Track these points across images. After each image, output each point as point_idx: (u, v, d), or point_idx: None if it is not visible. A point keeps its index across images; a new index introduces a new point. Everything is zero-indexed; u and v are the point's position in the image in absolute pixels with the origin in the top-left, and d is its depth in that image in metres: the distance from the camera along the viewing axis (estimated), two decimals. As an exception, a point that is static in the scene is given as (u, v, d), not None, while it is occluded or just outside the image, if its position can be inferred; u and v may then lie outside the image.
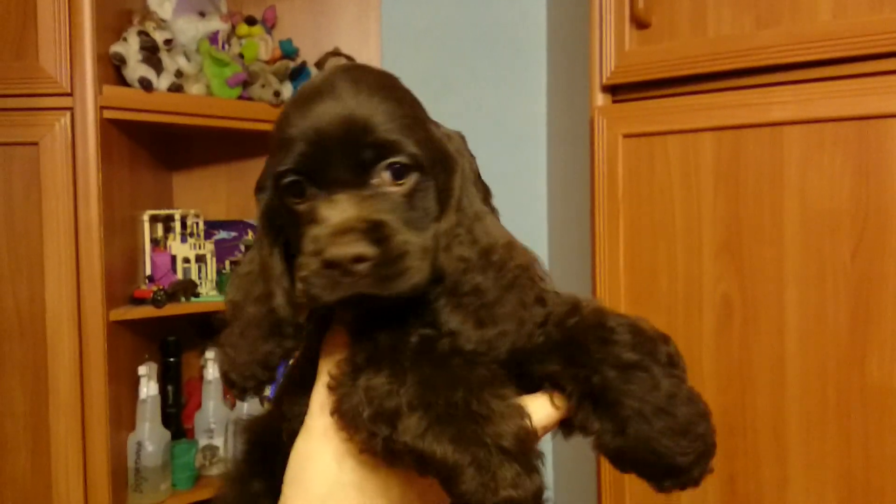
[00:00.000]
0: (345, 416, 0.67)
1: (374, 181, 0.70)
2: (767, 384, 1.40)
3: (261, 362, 0.76)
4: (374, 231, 0.66)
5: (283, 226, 0.75)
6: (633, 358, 0.71)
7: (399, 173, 0.70)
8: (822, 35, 1.31)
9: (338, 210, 0.68)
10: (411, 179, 0.71)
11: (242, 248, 2.20)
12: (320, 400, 0.72)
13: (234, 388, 0.78)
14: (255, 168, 2.38)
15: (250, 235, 2.23)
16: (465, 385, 0.64)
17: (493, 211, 0.81)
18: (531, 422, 0.65)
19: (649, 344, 0.73)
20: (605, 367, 0.70)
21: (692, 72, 1.47)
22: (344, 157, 0.69)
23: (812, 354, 1.35)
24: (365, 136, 0.69)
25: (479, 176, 0.81)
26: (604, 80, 1.60)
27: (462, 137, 0.82)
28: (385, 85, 0.74)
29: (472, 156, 0.81)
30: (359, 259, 0.65)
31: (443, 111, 2.59)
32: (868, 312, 1.30)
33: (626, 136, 1.56)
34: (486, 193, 0.81)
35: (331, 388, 0.70)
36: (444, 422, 0.62)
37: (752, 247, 1.40)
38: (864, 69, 1.29)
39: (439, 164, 0.75)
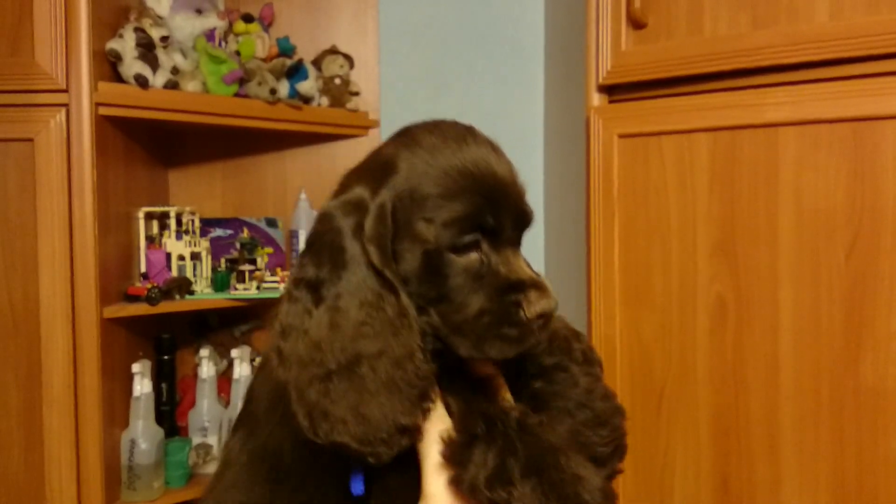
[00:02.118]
0: (461, 484, 0.69)
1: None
2: (761, 384, 1.39)
3: (404, 429, 0.70)
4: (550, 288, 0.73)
5: (415, 274, 0.72)
6: (552, 361, 0.78)
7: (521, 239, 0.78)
8: (817, 36, 1.31)
9: (521, 267, 0.74)
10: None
11: (238, 245, 2.19)
12: (435, 462, 0.71)
13: (365, 455, 0.69)
14: (251, 166, 2.39)
15: (245, 233, 2.23)
16: (558, 451, 0.69)
17: None
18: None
19: (564, 344, 0.80)
20: (532, 375, 0.78)
21: (688, 72, 1.47)
22: (516, 216, 0.75)
23: (806, 355, 1.35)
24: (525, 200, 0.77)
25: None
26: (600, 80, 1.60)
27: None
28: None
29: None
30: (553, 312, 0.73)
31: (440, 110, 2.59)
32: (862, 313, 1.30)
33: (622, 136, 1.56)
34: None
35: (446, 457, 0.70)
36: (554, 486, 0.67)
37: (747, 247, 1.40)
38: (860, 70, 1.29)
39: None
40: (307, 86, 2.17)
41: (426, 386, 0.71)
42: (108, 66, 1.90)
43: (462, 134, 0.75)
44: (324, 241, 0.73)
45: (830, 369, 1.33)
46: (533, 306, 0.71)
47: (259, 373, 0.86)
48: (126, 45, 1.88)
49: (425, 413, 0.71)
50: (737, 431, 1.43)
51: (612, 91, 1.62)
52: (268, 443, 0.80)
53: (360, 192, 0.74)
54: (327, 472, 0.76)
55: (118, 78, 1.90)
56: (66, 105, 1.77)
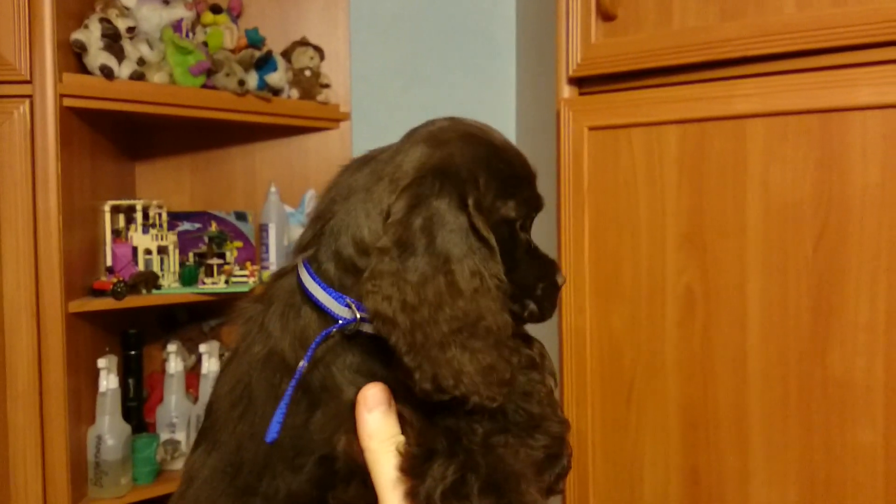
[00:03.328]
0: (417, 497, 0.69)
1: None
2: (729, 376, 1.40)
3: (508, 382, 0.74)
4: None
5: (498, 244, 0.79)
6: None
7: None
8: (785, 28, 1.32)
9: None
10: None
11: (206, 239, 2.17)
12: (391, 477, 0.71)
13: (492, 402, 0.72)
14: (219, 158, 2.36)
15: (214, 227, 2.20)
16: (520, 477, 0.71)
17: None
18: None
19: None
20: None
21: (657, 64, 1.47)
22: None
23: (774, 346, 1.35)
24: None
25: None
26: (570, 73, 1.60)
27: None
28: None
29: None
30: None
31: (411, 103, 2.60)
32: (830, 305, 1.30)
33: (592, 128, 1.56)
34: None
35: (403, 470, 0.70)
36: None
37: (715, 239, 1.41)
38: (828, 62, 1.30)
39: None
40: (276, 77, 2.15)
41: (514, 345, 0.78)
42: (73, 57, 1.87)
43: (490, 126, 0.86)
44: (426, 212, 0.74)
45: (798, 361, 1.33)
46: (561, 278, 0.85)
47: (219, 378, 0.83)
48: (91, 35, 1.86)
49: (515, 367, 0.76)
50: (705, 423, 1.43)
51: (583, 83, 1.61)
52: (231, 451, 0.78)
53: (440, 161, 0.77)
54: (295, 471, 0.74)
55: (83, 69, 1.88)
56: (29, 96, 1.74)
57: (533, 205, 0.84)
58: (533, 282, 0.83)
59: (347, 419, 0.73)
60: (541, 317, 0.84)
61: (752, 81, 1.36)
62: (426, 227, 0.73)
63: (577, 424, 1.58)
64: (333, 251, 0.77)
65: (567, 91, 1.61)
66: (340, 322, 0.74)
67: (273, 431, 0.71)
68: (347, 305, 0.74)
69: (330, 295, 0.75)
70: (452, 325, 0.72)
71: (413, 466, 0.69)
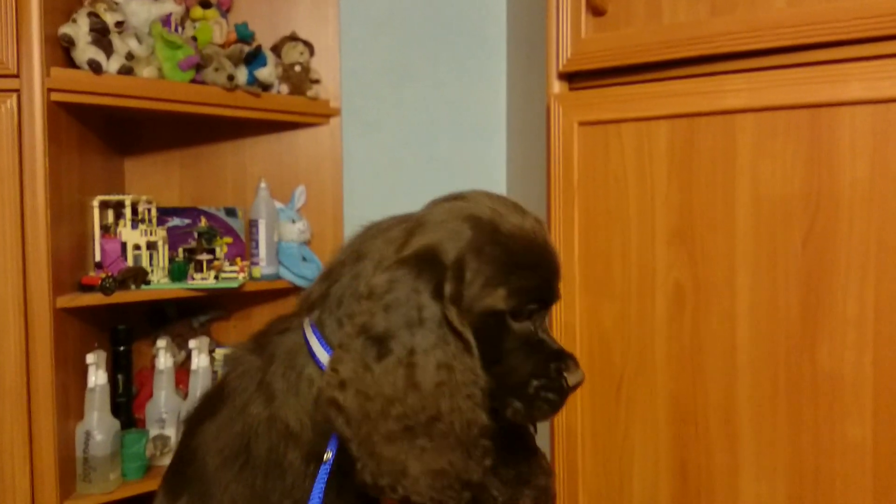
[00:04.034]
0: None
1: None
2: (719, 371, 1.40)
3: (470, 484, 0.72)
4: None
5: (477, 336, 0.75)
6: None
7: None
8: (775, 23, 1.32)
9: (553, 336, 0.81)
10: None
11: (196, 234, 2.16)
12: None
13: (447, 499, 0.71)
14: (209, 154, 2.35)
15: (204, 223, 2.19)
16: None
17: None
18: None
19: None
20: None
21: (647, 59, 1.47)
22: (557, 290, 0.81)
23: (763, 341, 1.36)
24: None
25: None
26: (560, 68, 1.60)
27: None
28: None
29: None
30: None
31: (402, 99, 2.59)
32: (819, 299, 1.30)
33: (582, 123, 1.56)
34: None
35: None
36: None
37: (705, 234, 1.41)
38: (817, 57, 1.30)
39: None
40: (266, 73, 2.14)
41: (489, 445, 0.73)
42: (61, 52, 1.85)
43: (515, 204, 0.82)
44: (399, 297, 0.72)
45: (787, 355, 1.34)
46: (573, 376, 0.77)
47: (194, 427, 0.81)
48: (79, 29, 1.84)
49: (487, 469, 0.73)
50: (695, 418, 1.43)
51: (573, 79, 1.61)
52: None
53: (428, 246, 0.75)
54: None
55: (71, 63, 1.86)
56: (17, 91, 1.73)
57: (533, 295, 0.77)
58: (524, 378, 0.77)
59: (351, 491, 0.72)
60: (529, 417, 0.78)
61: (742, 76, 1.36)
62: (395, 315, 0.71)
63: (566, 420, 1.58)
64: (337, 317, 0.76)
65: (557, 86, 1.61)
66: None
67: None
68: None
69: None
70: (403, 421, 0.69)
71: None
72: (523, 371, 0.77)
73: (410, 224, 0.78)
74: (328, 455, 0.71)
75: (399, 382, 0.70)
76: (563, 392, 0.77)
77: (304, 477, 0.72)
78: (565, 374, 0.77)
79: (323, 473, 0.71)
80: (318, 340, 0.74)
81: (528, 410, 0.77)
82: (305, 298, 0.80)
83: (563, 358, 0.78)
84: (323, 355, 0.73)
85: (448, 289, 0.72)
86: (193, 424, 0.80)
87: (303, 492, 0.71)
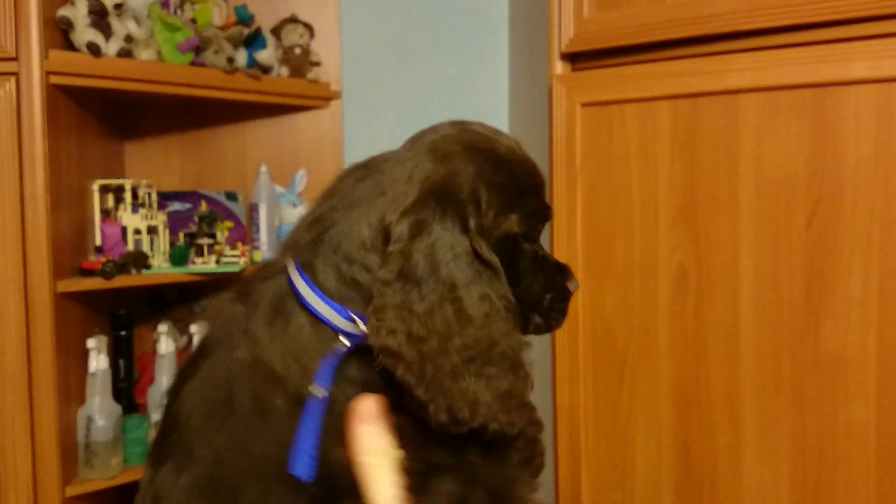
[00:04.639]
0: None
1: None
2: (722, 353, 1.39)
3: (526, 404, 0.76)
4: None
5: (502, 258, 0.78)
6: None
7: None
8: (779, 2, 1.30)
9: (550, 256, 0.85)
10: None
11: (196, 219, 2.15)
12: (390, 494, 0.68)
13: (513, 428, 0.72)
14: (209, 138, 2.34)
15: (204, 207, 2.18)
16: (516, 482, 0.76)
17: None
18: None
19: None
20: None
21: (649, 39, 1.45)
22: (552, 214, 0.85)
23: (767, 323, 1.35)
24: None
25: None
26: (562, 48, 1.59)
27: None
28: None
29: None
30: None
31: (404, 81, 2.58)
32: (823, 281, 1.29)
33: (585, 104, 1.55)
34: None
35: (406, 488, 0.69)
36: None
37: (708, 215, 1.40)
38: (822, 36, 1.28)
39: None
40: (266, 55, 2.13)
41: (527, 362, 0.77)
42: (60, 34, 1.84)
43: (493, 128, 0.83)
44: (429, 238, 0.72)
45: (791, 337, 1.33)
46: (572, 284, 0.84)
47: (178, 390, 0.77)
48: (78, 12, 1.83)
49: (532, 387, 0.76)
50: (698, 400, 1.43)
51: (576, 59, 1.60)
52: (209, 466, 0.72)
53: (441, 183, 0.75)
54: (293, 488, 0.70)
55: (70, 46, 1.85)
56: (15, 74, 1.72)
57: (539, 216, 0.81)
58: (540, 294, 0.83)
59: (343, 432, 0.69)
60: (547, 328, 0.84)
61: (746, 56, 1.34)
62: (429, 255, 0.72)
63: (569, 403, 1.58)
64: (333, 263, 0.74)
65: (559, 67, 1.60)
66: (351, 342, 0.72)
67: (302, 465, 0.68)
68: (351, 319, 0.72)
69: (330, 306, 0.72)
70: (464, 354, 0.70)
71: (415, 483, 0.69)
72: (538, 287, 0.82)
73: (409, 165, 0.77)
74: (323, 392, 0.70)
75: (450, 318, 0.71)
76: (568, 300, 0.84)
77: (291, 419, 0.70)
78: (567, 284, 0.83)
79: (316, 409, 0.69)
80: (308, 284, 0.73)
81: (547, 321, 0.83)
82: (293, 245, 0.78)
83: (563, 270, 0.84)
84: (312, 298, 0.72)
85: (472, 222, 0.74)
86: (176, 389, 0.77)
87: (289, 434, 0.69)
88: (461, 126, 0.81)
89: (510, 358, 0.73)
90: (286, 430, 0.69)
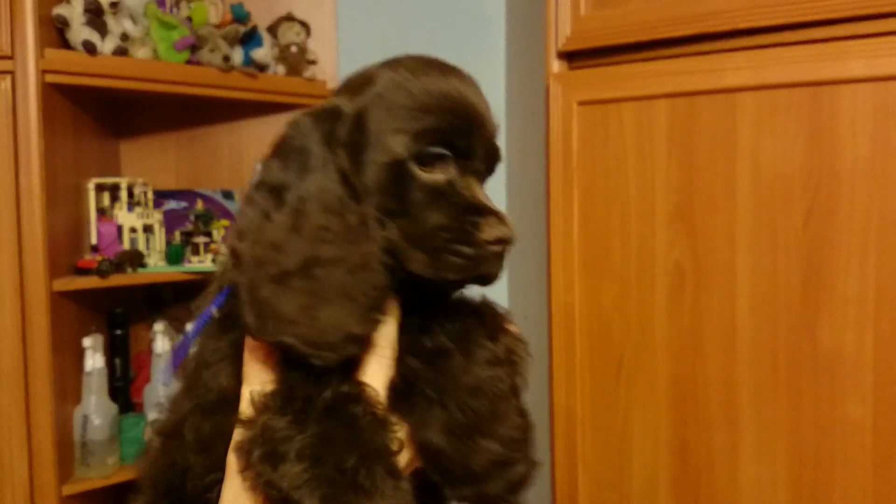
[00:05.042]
0: (240, 450, 0.65)
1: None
2: (719, 351, 1.40)
3: (354, 338, 0.67)
4: None
5: (379, 185, 0.70)
6: (450, 345, 0.71)
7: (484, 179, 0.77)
8: (776, 0, 1.30)
9: (483, 196, 0.73)
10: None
11: (193, 217, 2.15)
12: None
13: (311, 358, 0.65)
14: (205, 136, 2.34)
15: (200, 205, 2.18)
16: (362, 452, 0.63)
17: None
18: None
19: (486, 332, 0.73)
20: (411, 356, 0.71)
21: (646, 37, 1.45)
22: (487, 150, 0.74)
23: (763, 321, 1.35)
24: (496, 138, 0.76)
25: None
26: (559, 47, 1.59)
27: None
28: None
29: None
30: (510, 242, 0.71)
31: (397, 79, 2.51)
32: (820, 279, 1.30)
33: (581, 103, 1.55)
34: None
35: (241, 421, 0.67)
36: (323, 481, 0.61)
37: (705, 214, 1.40)
38: (819, 34, 1.29)
39: None
40: (262, 53, 2.13)
41: (380, 297, 0.68)
42: (55, 33, 1.84)
43: (448, 66, 0.75)
44: (292, 145, 0.71)
45: (788, 335, 1.33)
46: (491, 229, 0.70)
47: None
48: (73, 10, 1.83)
49: (375, 324, 0.68)
50: (695, 398, 1.43)
51: (573, 58, 1.60)
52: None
53: (336, 101, 0.73)
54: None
55: (65, 44, 1.85)
56: (11, 72, 1.71)
57: (437, 137, 0.71)
58: (430, 230, 0.70)
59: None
60: (435, 269, 0.70)
61: (743, 54, 1.34)
62: (289, 163, 0.70)
63: (566, 401, 1.58)
64: None
65: (556, 66, 1.60)
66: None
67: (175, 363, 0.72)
68: None
69: None
70: (281, 265, 0.67)
71: (249, 417, 0.66)
72: (430, 222, 0.70)
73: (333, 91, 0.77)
74: (213, 310, 0.72)
75: (284, 227, 0.68)
76: (478, 245, 0.69)
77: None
78: (482, 228, 0.70)
79: (201, 322, 0.72)
80: None
81: (434, 262, 0.69)
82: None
83: (482, 212, 0.71)
84: None
85: (341, 134, 0.70)
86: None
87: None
88: (404, 58, 0.76)
89: (338, 281, 0.67)
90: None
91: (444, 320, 0.73)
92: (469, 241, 0.69)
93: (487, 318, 0.75)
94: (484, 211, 0.71)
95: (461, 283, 0.73)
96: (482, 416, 0.68)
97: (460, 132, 0.71)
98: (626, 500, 1.52)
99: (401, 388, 0.70)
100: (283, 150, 0.71)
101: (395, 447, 0.65)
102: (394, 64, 0.74)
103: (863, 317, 1.27)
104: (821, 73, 1.27)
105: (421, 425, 0.69)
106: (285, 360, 0.68)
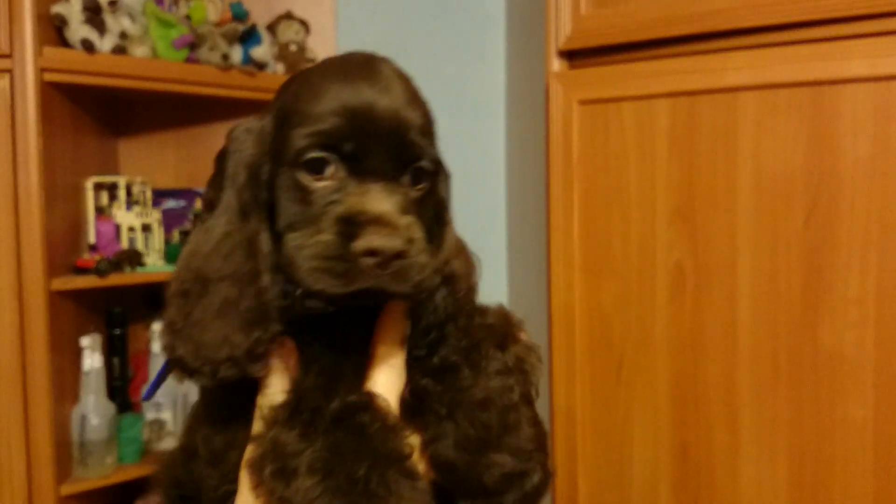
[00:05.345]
0: (252, 466, 0.65)
1: (403, 179, 0.69)
2: (719, 351, 1.39)
3: (247, 350, 0.66)
4: (407, 230, 0.65)
5: (279, 199, 0.69)
6: (456, 358, 0.70)
7: (419, 178, 0.70)
8: (777, -1, 1.30)
9: (376, 199, 0.66)
10: (426, 186, 0.71)
11: (191, 216, 2.15)
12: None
13: (198, 374, 0.66)
14: (204, 135, 2.33)
15: (199, 204, 2.18)
16: (372, 459, 0.62)
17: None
18: None
19: (494, 341, 0.72)
20: (420, 373, 0.71)
21: (647, 36, 1.45)
22: (386, 148, 0.67)
23: (764, 321, 1.35)
24: (408, 134, 0.68)
25: None
26: (559, 46, 1.58)
27: None
28: (415, 86, 0.74)
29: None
30: (399, 255, 0.64)
31: (397, 77, 2.51)
32: (820, 278, 1.29)
33: (582, 102, 1.54)
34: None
35: (253, 437, 0.67)
36: (337, 493, 0.61)
37: (706, 213, 1.39)
38: (820, 34, 1.28)
39: (440, 173, 0.76)
40: (261, 52, 2.12)
41: (263, 311, 0.67)
42: (54, 31, 1.83)
43: (362, 66, 0.70)
44: (217, 163, 0.72)
45: (788, 335, 1.33)
46: (364, 240, 0.63)
47: None
48: (72, 8, 1.82)
49: (258, 341, 0.66)
50: (695, 398, 1.42)
51: (573, 57, 1.60)
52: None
53: (261, 115, 0.73)
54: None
55: (64, 43, 1.84)
56: (9, 71, 1.71)
57: (318, 141, 0.66)
58: (310, 243, 0.66)
59: None
60: (306, 283, 0.65)
61: (744, 53, 1.34)
62: (212, 181, 0.73)
63: (566, 401, 1.58)
64: None
65: (556, 64, 1.59)
66: None
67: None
68: None
69: None
70: (182, 284, 0.68)
71: (259, 432, 0.67)
72: (308, 233, 0.66)
73: None
74: None
75: (192, 245, 0.70)
76: (349, 258, 0.63)
77: None
78: (360, 237, 0.63)
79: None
80: None
81: (311, 277, 0.64)
82: None
83: (360, 221, 0.64)
84: None
85: (245, 149, 0.71)
86: None
87: None
88: (333, 60, 0.73)
89: (220, 298, 0.67)
90: None
91: (451, 332, 0.72)
92: (340, 254, 0.64)
93: (497, 328, 0.73)
94: (362, 219, 0.64)
95: (364, 300, 0.66)
96: (492, 429, 0.67)
97: (347, 135, 0.66)
98: (627, 500, 1.52)
99: (411, 404, 0.69)
100: (215, 168, 0.73)
101: (407, 451, 0.65)
102: (312, 67, 0.73)
103: (863, 317, 1.26)
104: (822, 73, 1.27)
105: (433, 440, 0.68)
106: (302, 369, 0.69)
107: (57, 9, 1.80)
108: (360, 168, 0.67)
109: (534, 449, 0.69)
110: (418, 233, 0.67)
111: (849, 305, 1.27)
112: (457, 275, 0.74)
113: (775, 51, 1.31)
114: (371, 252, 0.63)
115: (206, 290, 0.67)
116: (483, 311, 0.75)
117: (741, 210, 1.36)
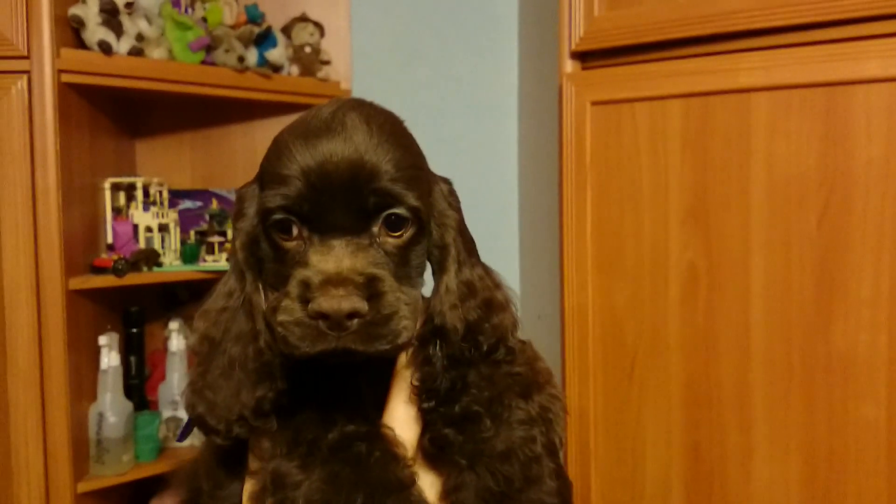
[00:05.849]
0: (253, 500, 0.68)
1: (374, 229, 0.68)
2: (732, 352, 1.39)
3: (253, 408, 0.68)
4: (369, 286, 0.65)
5: (264, 259, 0.71)
6: (477, 408, 0.70)
7: (397, 225, 0.69)
8: (790, 0, 1.30)
9: (333, 258, 0.66)
10: (408, 232, 0.70)
11: (207, 217, 2.16)
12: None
13: (215, 433, 0.70)
14: (220, 136, 2.35)
15: (215, 205, 2.19)
16: (370, 489, 0.64)
17: (479, 262, 0.78)
18: None
19: (517, 390, 0.72)
20: (442, 422, 0.70)
21: (660, 37, 1.45)
22: (346, 202, 0.67)
23: (777, 322, 1.35)
24: (370, 183, 0.67)
25: (464, 226, 0.77)
26: (573, 47, 1.59)
27: (450, 185, 0.78)
28: (394, 130, 0.72)
29: (458, 205, 0.78)
30: (352, 315, 0.63)
31: (413, 79, 2.57)
32: (833, 280, 1.29)
33: (595, 103, 1.55)
34: (472, 244, 0.78)
35: (250, 471, 0.70)
36: None
37: (719, 214, 1.40)
38: (833, 35, 1.28)
39: (435, 217, 0.74)
40: (276, 54, 2.13)
41: (265, 369, 0.69)
42: (71, 33, 1.85)
43: (327, 116, 0.70)
44: (232, 223, 0.76)
45: (801, 336, 1.33)
46: (313, 304, 0.63)
47: None
48: (89, 10, 1.84)
49: (263, 399, 0.69)
50: (708, 398, 1.42)
51: (586, 58, 1.60)
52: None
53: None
54: None
55: (81, 44, 1.86)
56: (27, 72, 1.73)
57: (282, 204, 0.67)
58: (274, 304, 0.67)
59: None
60: (285, 348, 0.65)
61: (757, 54, 1.34)
62: (232, 240, 0.77)
63: (579, 401, 1.58)
64: None
65: (569, 65, 1.60)
66: None
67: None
68: None
69: None
70: (199, 343, 0.72)
71: (257, 467, 0.70)
72: (277, 296, 0.67)
73: None
74: None
75: (203, 310, 0.74)
76: (305, 324, 0.63)
77: None
78: (313, 300, 0.63)
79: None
80: None
81: (280, 339, 0.65)
82: None
83: (311, 284, 0.64)
84: None
85: (245, 208, 0.74)
86: None
87: None
88: (303, 119, 0.72)
89: (224, 362, 0.70)
90: None
91: (474, 381, 0.71)
92: (299, 318, 0.64)
93: (522, 376, 0.73)
94: (315, 281, 0.65)
95: (341, 358, 0.65)
96: (514, 482, 0.67)
97: (305, 195, 0.66)
98: (639, 500, 1.52)
99: (432, 453, 0.69)
100: (232, 224, 0.78)
101: (409, 481, 0.65)
102: (288, 126, 0.73)
103: (877, 318, 1.26)
104: (835, 74, 1.27)
105: (455, 489, 0.68)
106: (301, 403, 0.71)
107: (74, 11, 1.82)
108: (321, 226, 0.67)
109: (551, 501, 0.69)
110: (388, 286, 0.66)
111: (862, 306, 1.27)
112: (449, 326, 0.71)
113: (788, 52, 1.31)
114: (321, 315, 0.63)
115: (216, 350, 0.71)
116: (511, 355, 0.74)
117: (754, 211, 1.36)
